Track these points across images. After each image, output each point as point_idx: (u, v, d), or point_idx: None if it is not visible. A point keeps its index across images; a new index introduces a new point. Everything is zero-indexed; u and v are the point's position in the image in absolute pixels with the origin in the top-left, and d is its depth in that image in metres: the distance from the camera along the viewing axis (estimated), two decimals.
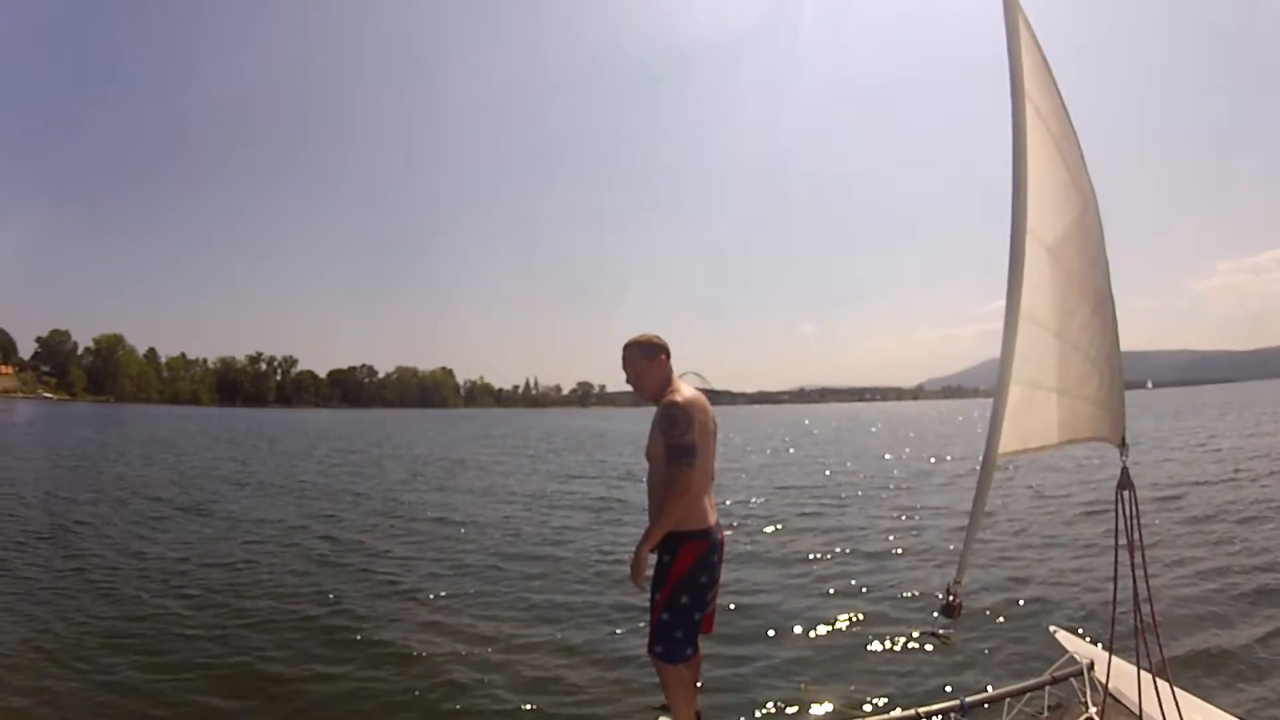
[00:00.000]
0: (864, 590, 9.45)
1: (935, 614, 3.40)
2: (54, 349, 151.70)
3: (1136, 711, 3.60)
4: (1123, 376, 3.25)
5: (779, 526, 14.01)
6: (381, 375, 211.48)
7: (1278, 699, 5.87)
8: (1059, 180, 2.94)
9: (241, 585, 9.60)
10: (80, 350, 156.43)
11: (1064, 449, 3.11)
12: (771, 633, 7.86)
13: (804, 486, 20.36)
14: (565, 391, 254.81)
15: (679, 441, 3.48)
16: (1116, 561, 3.19)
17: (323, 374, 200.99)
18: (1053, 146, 2.91)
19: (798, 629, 7.97)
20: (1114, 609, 3.37)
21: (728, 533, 3.87)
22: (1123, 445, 3.22)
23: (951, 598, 3.22)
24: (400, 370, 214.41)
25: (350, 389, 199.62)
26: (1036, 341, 2.88)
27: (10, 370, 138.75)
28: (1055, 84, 3.00)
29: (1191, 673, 5.98)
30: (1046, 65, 2.98)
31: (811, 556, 11.32)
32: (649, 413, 3.74)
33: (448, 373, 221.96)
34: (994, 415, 2.87)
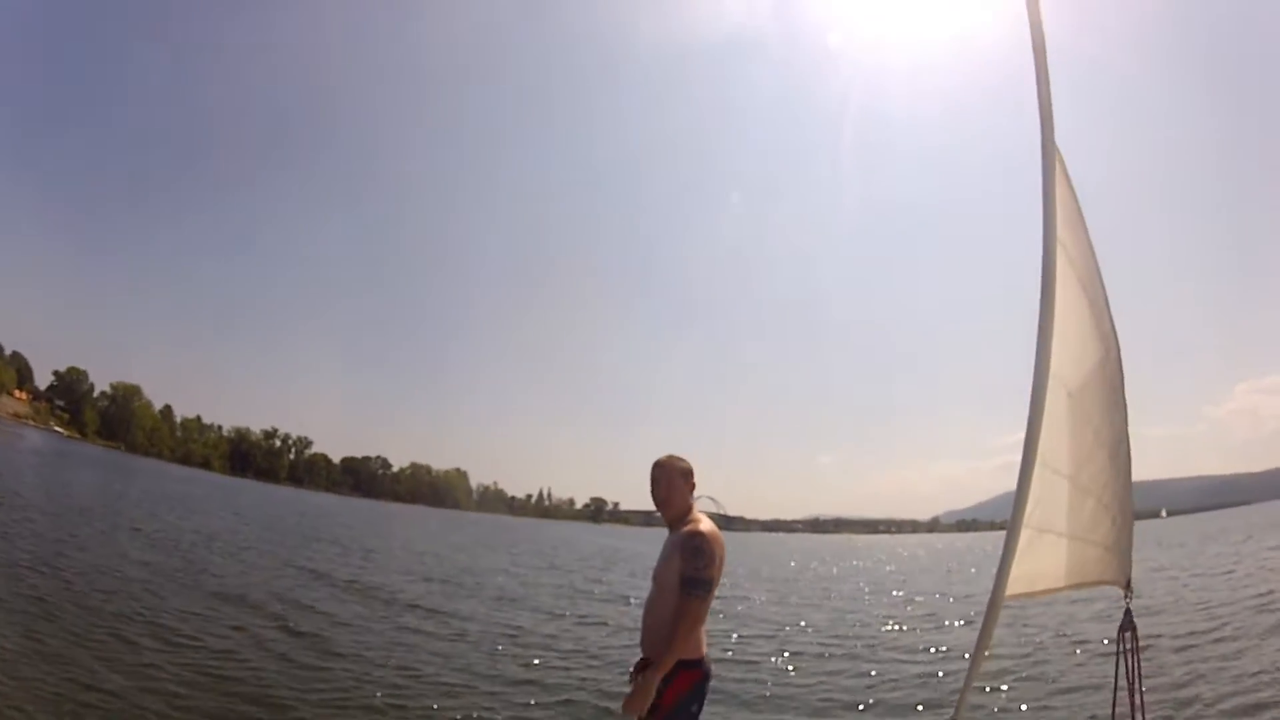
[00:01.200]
0: None
1: None
2: (70, 386, 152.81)
3: None
4: (1132, 516, 3.22)
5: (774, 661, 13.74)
6: (395, 469, 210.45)
7: None
8: (1083, 325, 2.96)
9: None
10: (96, 393, 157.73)
11: (1069, 593, 3.07)
12: None
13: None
14: (579, 505, 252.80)
15: (702, 575, 3.49)
16: (1115, 701, 3.17)
17: (336, 459, 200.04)
18: (1079, 290, 2.94)
19: None
20: None
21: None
22: (1127, 587, 3.20)
23: None
24: (414, 467, 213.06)
25: (363, 478, 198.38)
26: (1051, 486, 2.86)
27: (25, 396, 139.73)
28: (1085, 227, 3.05)
29: None
30: (1079, 209, 3.04)
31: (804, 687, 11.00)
32: (661, 533, 3.75)
33: (461, 474, 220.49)
34: (1003, 558, 2.84)
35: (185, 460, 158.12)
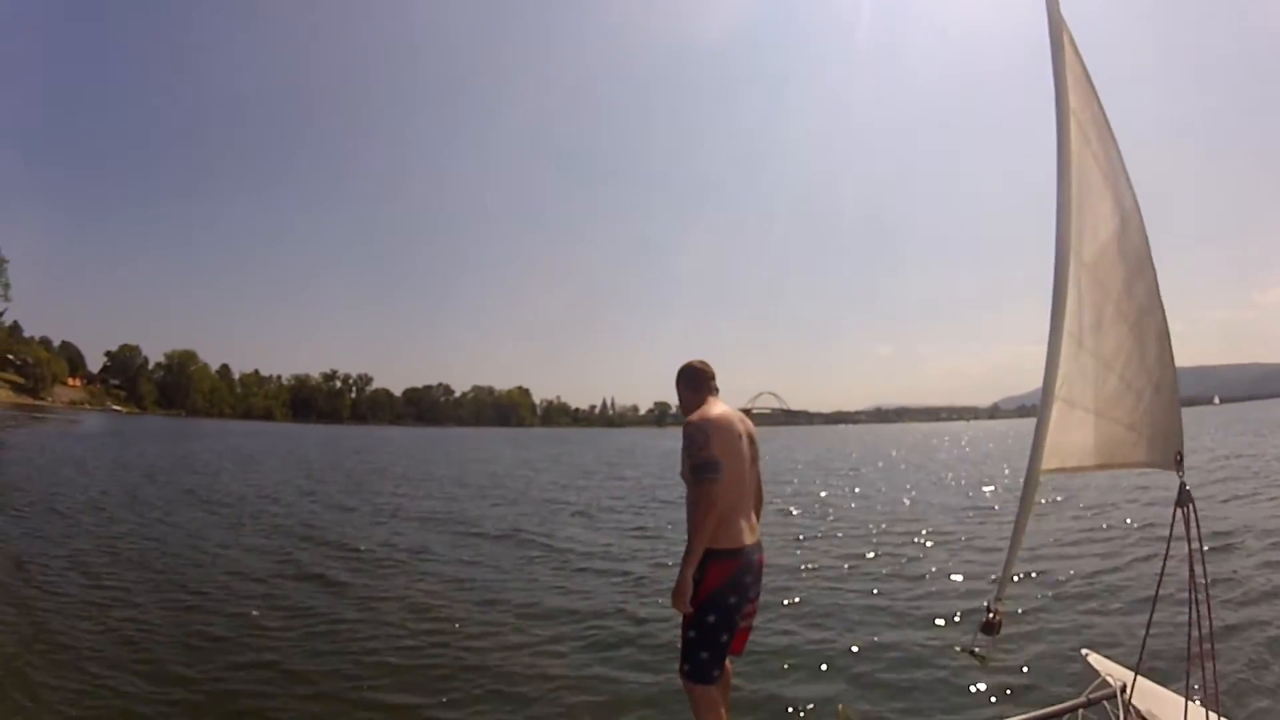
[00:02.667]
0: (906, 607, 9.32)
1: (975, 632, 3.32)
2: (124, 363, 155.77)
3: None
4: (1175, 394, 3.12)
5: (829, 540, 13.88)
6: (458, 394, 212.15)
7: None
8: (1097, 194, 2.89)
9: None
10: (151, 365, 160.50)
11: (1105, 471, 3.00)
12: (809, 647, 7.81)
13: (853, 508, 20.04)
14: (642, 411, 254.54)
15: (698, 458, 3.52)
16: (1161, 577, 3.12)
17: (397, 392, 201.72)
18: (1090, 159, 2.87)
19: (835, 644, 7.91)
20: (1148, 628, 3.30)
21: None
22: (1178, 464, 3.06)
23: (991, 614, 3.23)
24: (476, 389, 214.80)
25: (426, 408, 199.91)
26: (1077, 361, 2.86)
27: (79, 383, 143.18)
28: (1096, 93, 2.96)
29: (1235, 704, 5.69)
30: (1088, 76, 2.95)
31: (853, 572, 11.24)
32: None
33: (524, 392, 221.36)
34: (1036, 432, 2.88)
35: (247, 415, 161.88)
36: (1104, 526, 14.49)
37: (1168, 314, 3.02)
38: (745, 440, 3.80)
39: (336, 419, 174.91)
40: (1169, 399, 3.10)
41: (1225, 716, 3.57)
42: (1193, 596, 2.92)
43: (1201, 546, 2.93)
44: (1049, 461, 2.86)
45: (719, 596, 3.53)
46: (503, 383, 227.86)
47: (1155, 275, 3.05)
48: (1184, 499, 2.93)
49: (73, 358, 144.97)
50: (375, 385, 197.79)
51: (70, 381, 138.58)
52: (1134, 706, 3.79)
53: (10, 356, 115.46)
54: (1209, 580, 2.96)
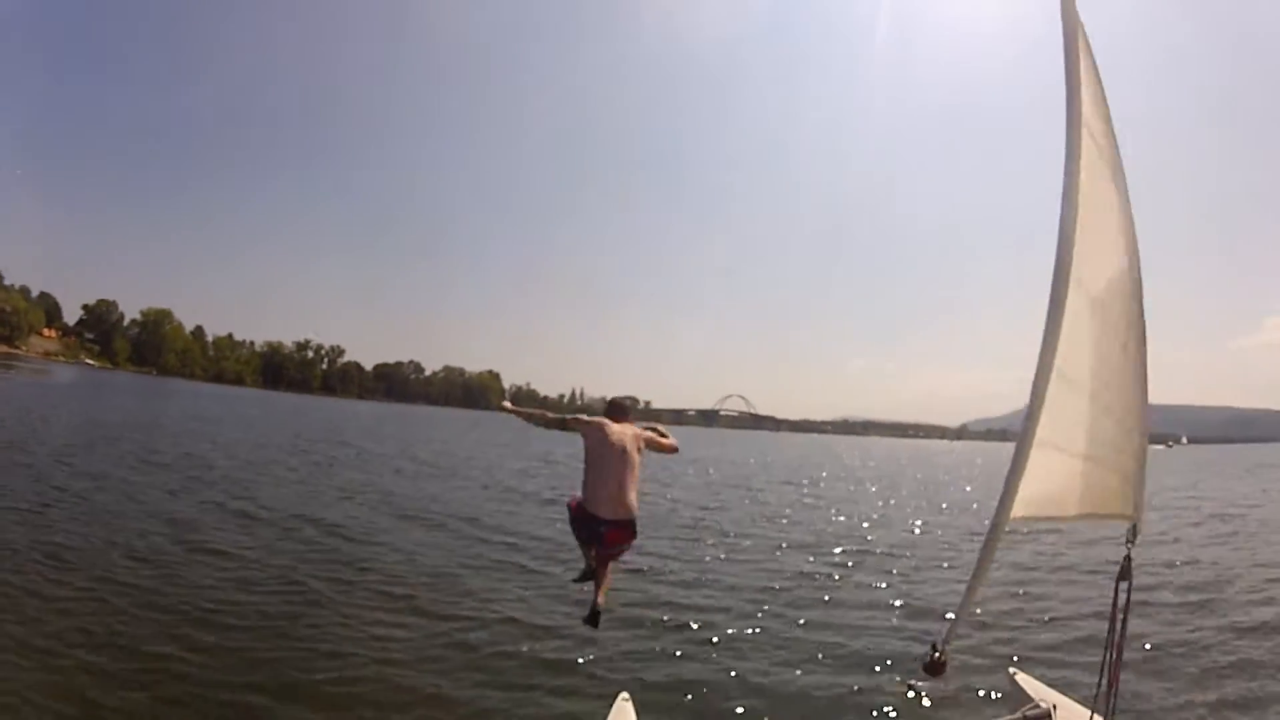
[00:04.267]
0: (845, 635, 9.29)
1: (918, 669, 3.22)
2: (100, 318, 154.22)
3: None
4: (1144, 461, 2.91)
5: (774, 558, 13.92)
6: (428, 373, 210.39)
7: None
8: (1111, 220, 2.60)
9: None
10: (126, 322, 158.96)
11: (1076, 523, 2.81)
12: (752, 670, 7.80)
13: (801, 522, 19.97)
14: None
15: (574, 424, 5.45)
16: (1105, 659, 3.03)
17: (369, 366, 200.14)
18: (1109, 180, 2.59)
19: (775, 667, 7.92)
20: (1101, 687, 3.13)
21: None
22: (1133, 532, 2.94)
23: (937, 654, 3.08)
24: (447, 370, 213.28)
25: (396, 384, 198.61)
26: (1067, 401, 2.54)
27: (54, 334, 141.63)
28: (1109, 114, 2.69)
29: None
30: (1103, 94, 2.68)
31: (793, 593, 11.27)
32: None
33: (494, 375, 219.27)
34: (1009, 476, 2.56)
35: (218, 378, 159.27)
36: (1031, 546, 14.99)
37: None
38: (618, 447, 5.16)
39: (306, 389, 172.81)
40: (1145, 452, 2.91)
41: None
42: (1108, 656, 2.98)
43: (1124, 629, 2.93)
44: (1021, 509, 2.56)
45: (574, 521, 5.37)
46: (475, 365, 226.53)
47: (1144, 334, 2.81)
48: (1126, 573, 2.89)
49: (50, 309, 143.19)
50: (347, 358, 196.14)
51: (46, 332, 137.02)
52: None
53: None
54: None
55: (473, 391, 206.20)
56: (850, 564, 13.57)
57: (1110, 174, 2.60)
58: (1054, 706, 4.03)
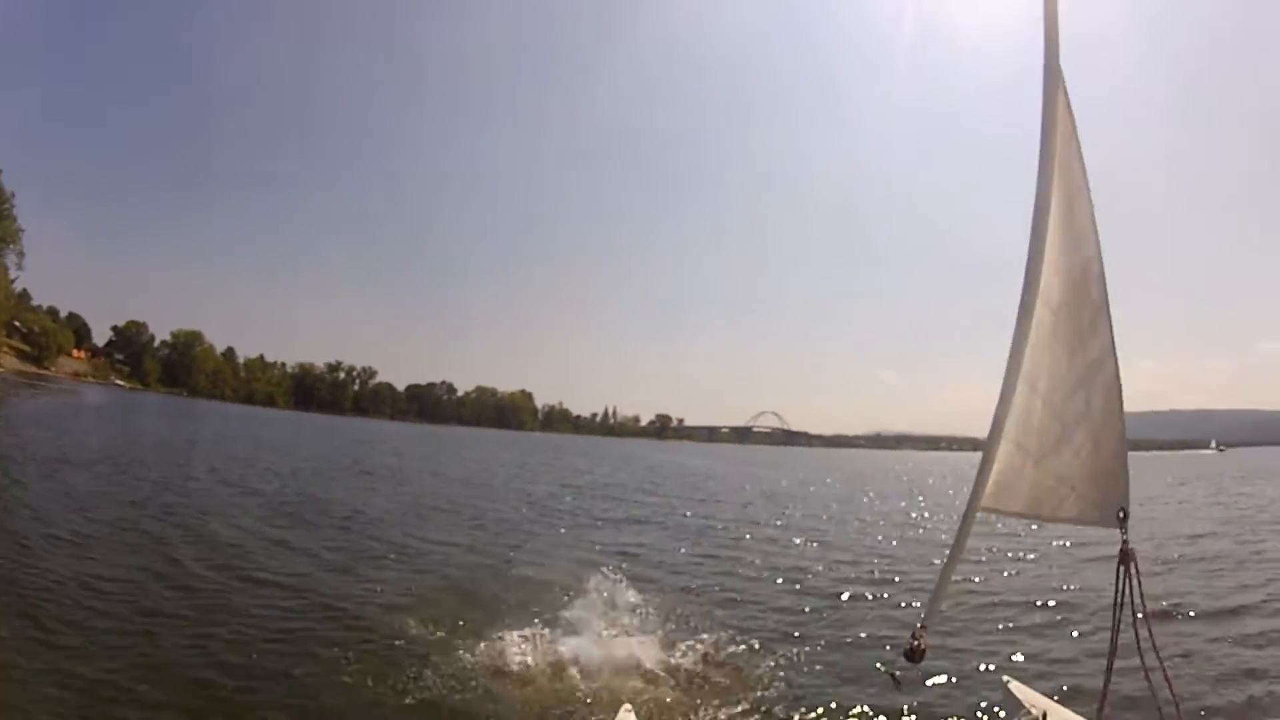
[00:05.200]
0: (831, 627, 9.89)
1: (898, 657, 3.38)
2: (130, 339, 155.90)
3: None
4: (1122, 449, 3.02)
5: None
6: (460, 393, 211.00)
7: None
8: (1067, 237, 2.89)
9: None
10: (157, 344, 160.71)
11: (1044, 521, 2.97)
12: (739, 660, 8.24)
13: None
14: (644, 423, 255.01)
15: None
16: (1113, 638, 3.04)
17: (401, 387, 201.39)
18: (1066, 205, 2.89)
19: (761, 658, 8.31)
20: (1106, 680, 3.17)
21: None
22: (1121, 522, 2.99)
23: (916, 641, 3.22)
24: (479, 390, 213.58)
25: (428, 404, 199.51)
26: (1028, 405, 2.87)
27: (83, 355, 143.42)
28: (1079, 145, 2.99)
29: None
30: (1073, 122, 2.97)
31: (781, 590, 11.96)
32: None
33: (526, 395, 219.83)
34: (980, 469, 2.90)
35: (249, 399, 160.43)
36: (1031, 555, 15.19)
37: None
38: None
39: (338, 410, 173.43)
40: (1114, 453, 3.01)
41: None
42: (1140, 647, 2.92)
43: (1143, 604, 2.90)
44: (989, 500, 2.87)
45: None
46: (507, 385, 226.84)
47: (1111, 327, 3.00)
48: (1126, 557, 2.89)
49: (79, 330, 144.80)
50: (379, 379, 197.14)
51: (75, 353, 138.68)
52: None
53: (17, 324, 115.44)
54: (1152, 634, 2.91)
55: (505, 412, 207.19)
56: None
57: (1069, 203, 2.89)
58: (1044, 714, 4.07)
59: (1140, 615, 2.93)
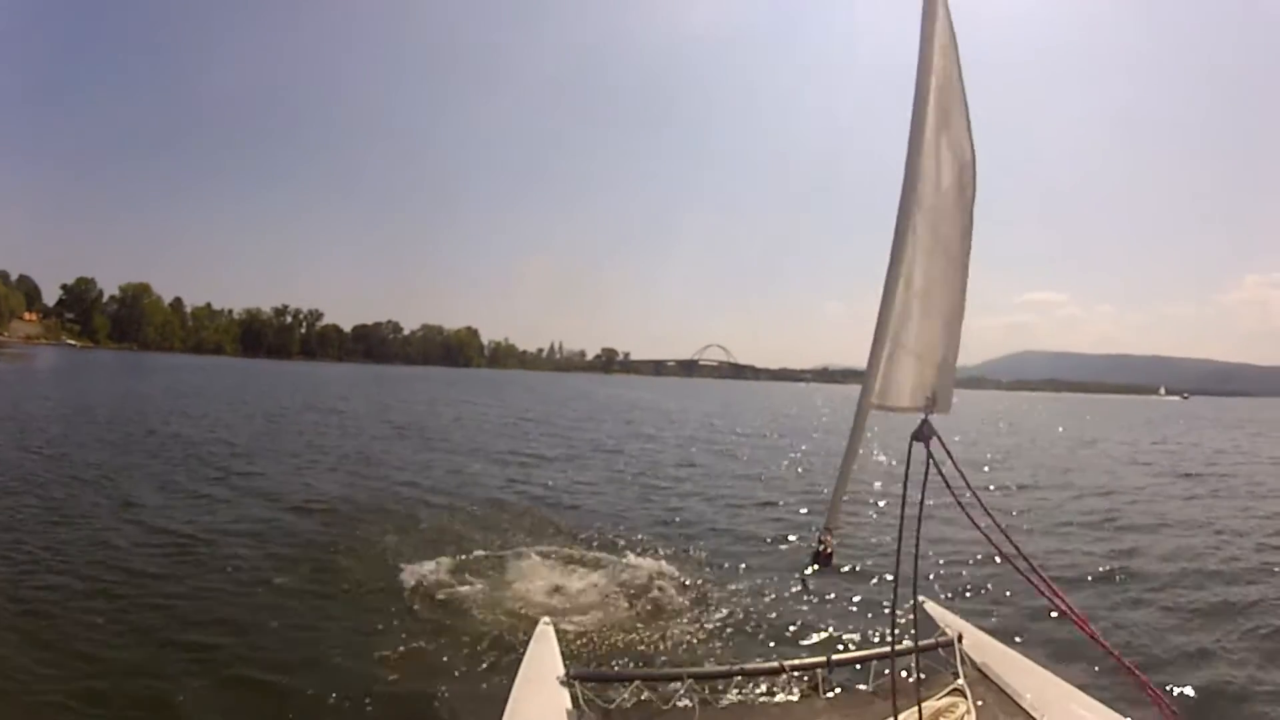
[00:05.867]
0: (740, 539, 10.71)
1: (809, 562, 3.42)
2: (79, 296, 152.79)
3: (1002, 685, 3.72)
4: (954, 344, 3.10)
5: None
6: (407, 332, 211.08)
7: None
8: (938, 139, 2.96)
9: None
10: (105, 299, 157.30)
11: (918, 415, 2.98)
12: (643, 572, 8.63)
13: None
14: (590, 357, 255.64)
15: None
16: (904, 512, 3.01)
17: (347, 328, 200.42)
18: (935, 104, 2.95)
19: (672, 567, 8.84)
20: (897, 562, 3.19)
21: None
22: (930, 401, 3.01)
23: (822, 546, 3.30)
24: (425, 328, 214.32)
25: (374, 344, 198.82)
26: (908, 303, 2.97)
27: (34, 317, 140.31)
28: (957, 50, 3.03)
29: (1057, 655, 6.14)
30: (953, 33, 3.02)
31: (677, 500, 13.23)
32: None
33: (472, 332, 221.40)
34: (868, 367, 2.99)
35: (197, 349, 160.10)
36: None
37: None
38: None
39: (285, 354, 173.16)
40: (955, 347, 3.10)
41: (1049, 667, 3.79)
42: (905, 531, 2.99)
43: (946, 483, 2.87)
44: (877, 398, 2.99)
45: None
46: (453, 322, 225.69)
47: (971, 231, 3.11)
48: (924, 434, 2.89)
49: (29, 292, 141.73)
50: (325, 321, 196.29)
51: (27, 316, 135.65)
52: (968, 654, 3.98)
53: None
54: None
55: (451, 349, 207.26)
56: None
57: (939, 101, 2.95)
58: (959, 635, 4.15)
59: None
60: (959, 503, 2.92)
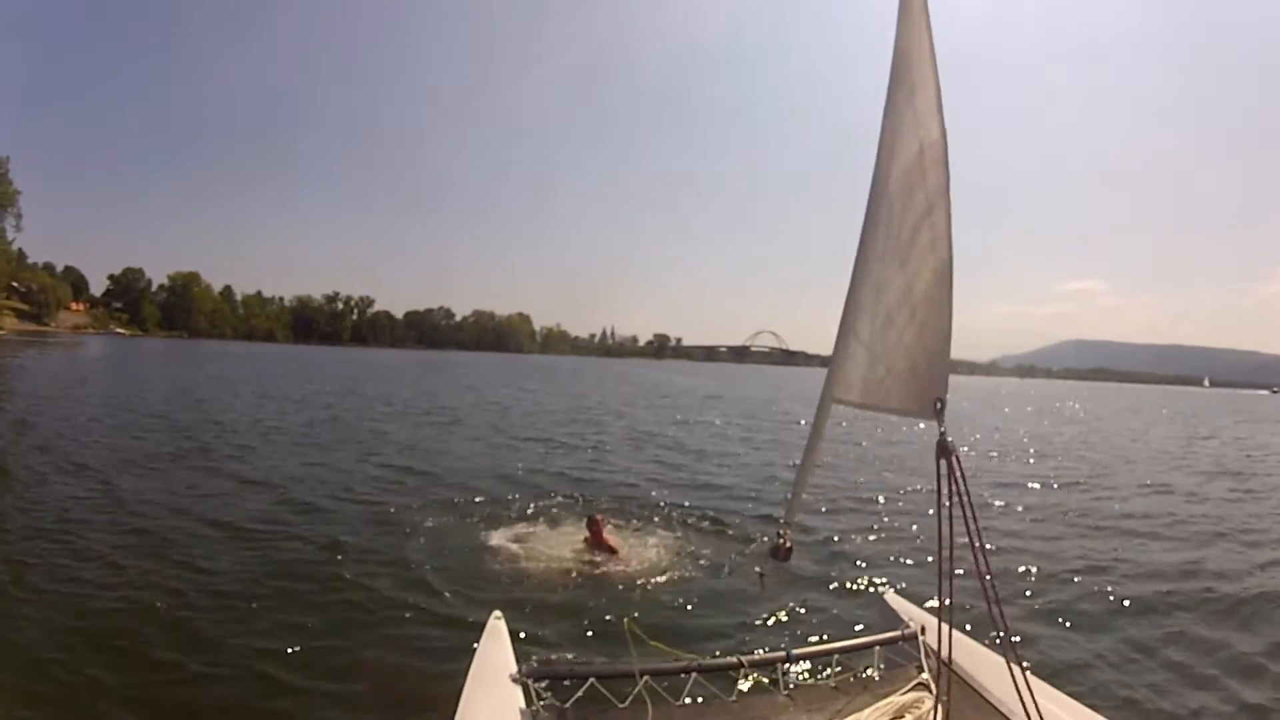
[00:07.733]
0: (702, 531, 10.46)
1: (766, 557, 3.38)
2: (127, 286, 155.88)
3: (966, 678, 3.62)
4: (945, 340, 2.82)
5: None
6: (459, 318, 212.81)
7: (1106, 681, 6.17)
8: (910, 120, 2.78)
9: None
10: (154, 288, 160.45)
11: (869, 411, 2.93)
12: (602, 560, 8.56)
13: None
14: (642, 343, 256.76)
15: None
16: (940, 530, 2.84)
17: (399, 315, 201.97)
18: (908, 87, 2.79)
19: (631, 562, 8.59)
20: (940, 574, 2.99)
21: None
22: (938, 413, 2.80)
23: (781, 539, 3.28)
24: (477, 314, 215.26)
25: (426, 331, 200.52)
26: (869, 293, 2.82)
27: (82, 307, 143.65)
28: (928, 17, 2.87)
29: (1027, 651, 6.22)
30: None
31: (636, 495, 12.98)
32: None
33: (524, 318, 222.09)
34: (832, 360, 2.93)
35: (249, 336, 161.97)
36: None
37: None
38: None
39: (337, 340, 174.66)
40: (936, 344, 2.82)
41: (1017, 663, 3.63)
42: (941, 548, 2.78)
43: (967, 498, 2.70)
44: (838, 391, 2.90)
45: None
46: (505, 308, 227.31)
47: (948, 211, 2.79)
48: (945, 450, 2.74)
49: (76, 282, 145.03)
50: (377, 307, 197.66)
51: (74, 306, 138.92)
52: (930, 647, 3.83)
53: (14, 284, 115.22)
54: (980, 528, 2.67)
55: (503, 335, 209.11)
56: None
57: (917, 81, 2.79)
58: (922, 628, 4.06)
59: (963, 510, 2.70)
60: (950, 506, 2.74)
